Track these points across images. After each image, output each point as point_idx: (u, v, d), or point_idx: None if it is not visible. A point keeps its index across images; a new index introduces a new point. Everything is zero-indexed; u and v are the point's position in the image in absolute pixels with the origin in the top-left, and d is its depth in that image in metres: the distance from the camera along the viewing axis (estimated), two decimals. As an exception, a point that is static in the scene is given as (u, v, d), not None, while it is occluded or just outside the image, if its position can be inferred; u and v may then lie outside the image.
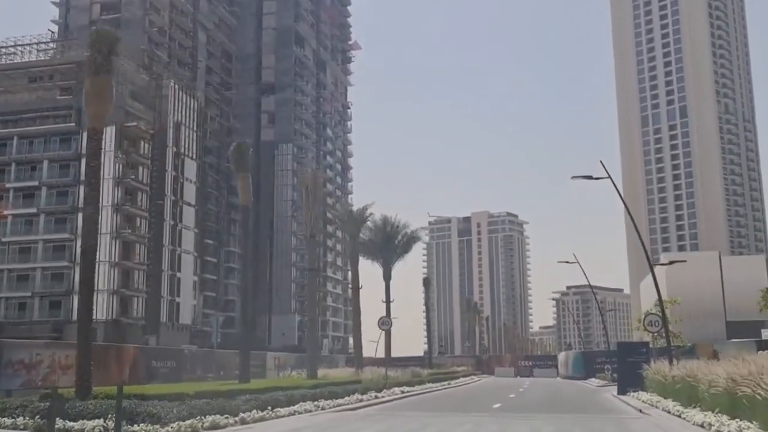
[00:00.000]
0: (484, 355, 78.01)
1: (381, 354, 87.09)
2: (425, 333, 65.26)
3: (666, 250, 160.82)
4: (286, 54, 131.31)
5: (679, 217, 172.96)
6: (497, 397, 30.45)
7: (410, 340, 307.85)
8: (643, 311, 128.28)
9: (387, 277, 46.38)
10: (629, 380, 30.10)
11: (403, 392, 30.08)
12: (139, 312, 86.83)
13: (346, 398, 23.95)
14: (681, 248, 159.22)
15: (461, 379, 49.96)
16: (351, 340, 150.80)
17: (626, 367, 30.89)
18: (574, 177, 31.11)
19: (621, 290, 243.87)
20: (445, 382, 41.89)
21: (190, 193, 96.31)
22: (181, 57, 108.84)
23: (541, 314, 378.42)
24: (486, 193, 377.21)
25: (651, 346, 35.43)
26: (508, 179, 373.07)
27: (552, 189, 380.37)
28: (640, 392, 27.84)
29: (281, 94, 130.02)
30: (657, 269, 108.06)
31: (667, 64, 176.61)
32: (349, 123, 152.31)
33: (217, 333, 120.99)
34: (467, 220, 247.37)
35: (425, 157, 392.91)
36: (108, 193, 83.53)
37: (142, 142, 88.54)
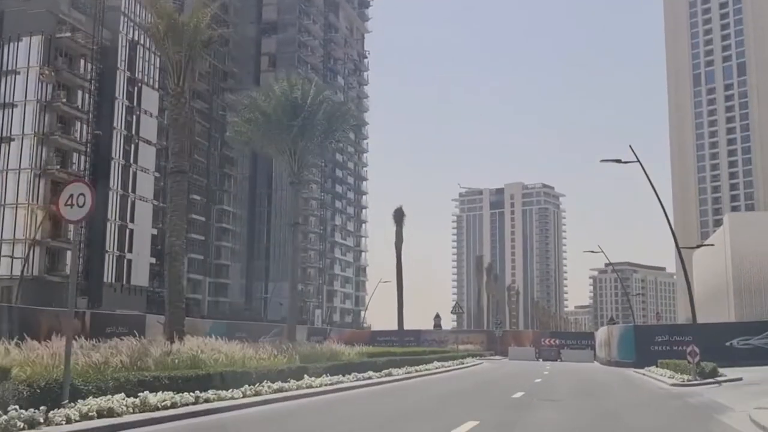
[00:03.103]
0: (497, 331, 56.41)
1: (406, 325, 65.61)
2: (397, 296, 43.91)
3: (718, 212, 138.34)
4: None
5: (733, 185, 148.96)
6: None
7: (431, 313, 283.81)
8: (696, 284, 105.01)
9: (295, 181, 25.73)
10: None
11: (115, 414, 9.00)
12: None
13: None
14: (735, 209, 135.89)
15: (436, 365, 28.69)
16: (363, 314, 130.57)
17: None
18: (603, 161, 26.44)
19: (663, 269, 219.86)
20: (379, 374, 20.68)
21: (149, 128, 76.15)
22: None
23: (577, 293, 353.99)
24: (520, 165, 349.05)
25: None
26: (544, 150, 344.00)
27: (592, 162, 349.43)
28: None
29: (284, 33, 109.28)
30: (719, 231, 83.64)
31: (724, 16, 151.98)
32: (365, 74, 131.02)
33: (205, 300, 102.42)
34: (500, 191, 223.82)
35: (455, 125, 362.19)
36: (31, 118, 64.13)
37: (82, 61, 68.54)
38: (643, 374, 29.68)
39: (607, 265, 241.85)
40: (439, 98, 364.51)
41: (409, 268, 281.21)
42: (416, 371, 24.58)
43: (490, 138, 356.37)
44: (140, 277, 73.69)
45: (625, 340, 39.71)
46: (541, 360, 51.29)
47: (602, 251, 49.43)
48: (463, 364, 34.73)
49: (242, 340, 35.02)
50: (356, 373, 19.09)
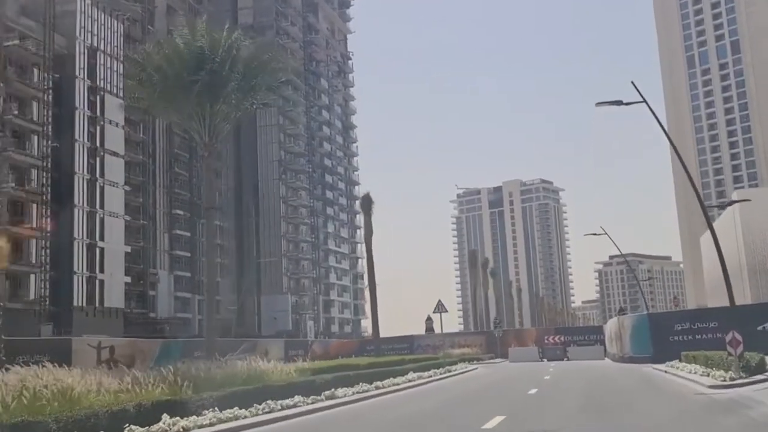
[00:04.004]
0: (497, 331, 50.59)
1: (392, 332, 60.16)
2: (369, 300, 38.09)
3: (722, 195, 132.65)
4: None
5: (735, 167, 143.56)
6: None
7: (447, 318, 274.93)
8: (706, 269, 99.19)
9: (206, 154, 20.08)
10: None
11: None
12: (38, 293, 61.28)
13: None
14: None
15: (410, 377, 22.85)
16: (364, 323, 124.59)
17: None
18: (599, 104, 22.41)
19: (669, 258, 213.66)
20: (312, 399, 14.87)
21: (115, 139, 70.63)
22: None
23: (584, 288, 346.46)
24: (517, 163, 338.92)
25: None
26: (540, 145, 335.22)
27: (590, 154, 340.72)
28: None
29: (261, 37, 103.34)
30: (728, 210, 77.44)
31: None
32: (350, 76, 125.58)
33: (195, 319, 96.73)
34: (498, 190, 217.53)
35: (448, 126, 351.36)
36: (-20, 134, 58.59)
37: (35, 70, 63.14)
38: (666, 372, 23.89)
39: (612, 257, 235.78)
40: (430, 99, 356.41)
41: (412, 272, 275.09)
42: (376, 388, 18.91)
43: (484, 137, 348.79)
44: (115, 298, 67.97)
45: (639, 332, 33.87)
46: (545, 360, 45.48)
47: (605, 233, 43.74)
48: (450, 372, 28.92)
49: (201, 359, 29.29)
50: (272, 401, 13.43)
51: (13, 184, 58.83)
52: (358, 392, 17.53)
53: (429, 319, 47.26)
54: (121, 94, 71.78)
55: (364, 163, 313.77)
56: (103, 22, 69.69)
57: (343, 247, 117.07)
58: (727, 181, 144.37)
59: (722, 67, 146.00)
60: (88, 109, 66.73)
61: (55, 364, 13.74)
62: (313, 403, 14.87)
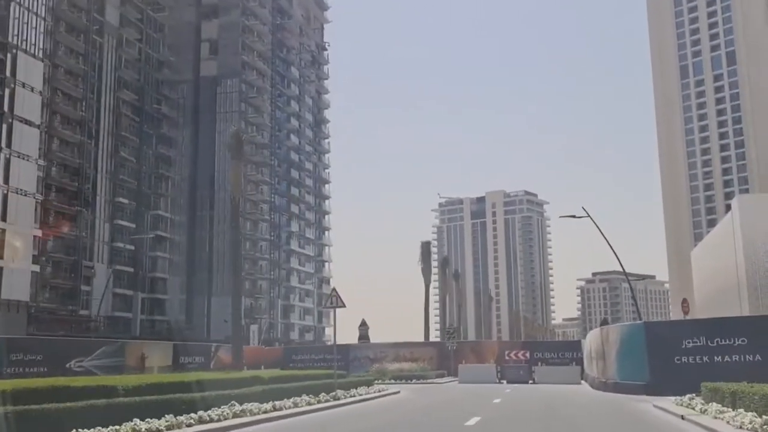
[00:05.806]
0: (450, 343, 39.97)
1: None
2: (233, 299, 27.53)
3: (711, 212, 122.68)
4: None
5: (727, 182, 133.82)
6: None
7: (408, 325, 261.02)
8: (696, 287, 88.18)
9: None
10: None
11: None
12: None
13: None
14: (729, 207, 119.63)
15: (212, 415, 12.29)
16: (328, 331, 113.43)
17: None
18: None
19: (653, 276, 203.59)
20: None
21: (30, 105, 59.57)
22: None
23: (565, 305, 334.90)
24: (502, 174, 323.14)
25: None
26: (526, 158, 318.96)
27: (576, 168, 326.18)
28: None
29: (226, 17, 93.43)
30: (726, 220, 67.36)
31: (711, 3, 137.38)
32: (325, 67, 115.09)
33: (137, 318, 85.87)
34: (481, 200, 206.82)
35: (432, 132, 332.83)
36: None
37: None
38: (683, 418, 13.22)
39: (595, 274, 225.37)
40: (416, 100, 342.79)
41: (391, 280, 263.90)
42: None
43: (468, 145, 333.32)
44: (17, 289, 56.84)
45: (631, 348, 23.18)
46: (504, 382, 34.67)
47: (588, 215, 33.34)
48: (334, 400, 18.08)
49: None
50: None
51: None
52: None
53: (363, 324, 36.65)
54: (41, 54, 61.04)
55: (336, 164, 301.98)
56: (20, -29, 58.95)
57: (308, 248, 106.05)
58: (718, 196, 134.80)
59: (717, 78, 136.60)
60: (-6, 67, 56.01)
61: None
62: None
